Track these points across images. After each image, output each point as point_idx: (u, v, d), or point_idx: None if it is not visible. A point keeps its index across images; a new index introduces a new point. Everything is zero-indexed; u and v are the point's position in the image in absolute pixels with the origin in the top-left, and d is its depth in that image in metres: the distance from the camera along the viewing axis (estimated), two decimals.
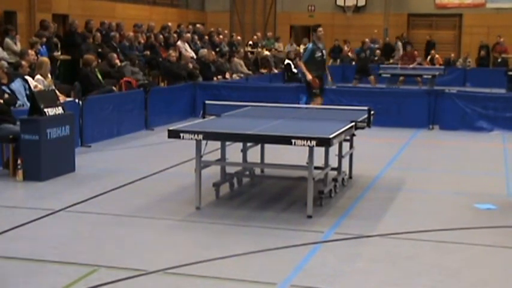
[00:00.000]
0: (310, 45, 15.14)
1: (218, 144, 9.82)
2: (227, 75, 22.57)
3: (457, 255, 7.37)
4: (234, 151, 10.59)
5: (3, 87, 11.68)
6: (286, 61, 27.77)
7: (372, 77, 25.41)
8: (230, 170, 10.08)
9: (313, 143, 8.14)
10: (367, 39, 28.04)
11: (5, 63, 12.73)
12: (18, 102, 11.99)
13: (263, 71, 26.38)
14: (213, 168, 9.92)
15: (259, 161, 10.81)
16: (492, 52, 32.67)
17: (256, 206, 9.28)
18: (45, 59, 14.65)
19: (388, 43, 34.47)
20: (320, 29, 14.76)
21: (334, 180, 9.85)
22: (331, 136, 8.27)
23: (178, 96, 17.94)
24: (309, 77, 14.52)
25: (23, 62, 13.68)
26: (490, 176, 11.57)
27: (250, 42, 30.17)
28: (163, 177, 10.91)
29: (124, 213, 8.58)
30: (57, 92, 12.33)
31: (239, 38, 29.70)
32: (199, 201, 8.92)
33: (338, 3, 36.26)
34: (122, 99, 15.34)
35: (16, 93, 12.10)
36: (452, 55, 33.62)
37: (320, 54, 14.64)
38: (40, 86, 13.00)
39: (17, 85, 12.34)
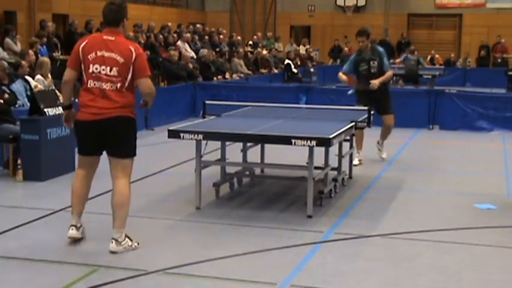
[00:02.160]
0: (353, 56, 12.39)
1: (218, 144, 9.82)
2: (227, 75, 22.58)
3: (457, 255, 7.37)
4: (234, 151, 10.59)
5: (4, 88, 11.69)
6: (286, 61, 27.78)
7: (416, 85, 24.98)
8: (230, 170, 10.09)
9: (313, 143, 8.14)
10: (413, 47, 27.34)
11: (5, 64, 12.72)
12: (19, 103, 11.99)
13: (263, 71, 26.38)
14: (213, 168, 9.92)
15: (259, 161, 10.81)
16: (492, 52, 32.68)
17: (256, 206, 9.28)
18: (46, 59, 14.66)
19: (388, 43, 34.46)
20: (360, 38, 11.89)
21: (334, 180, 9.85)
22: (331, 136, 8.27)
23: (179, 96, 17.95)
24: (343, 77, 12.09)
25: (23, 62, 13.68)
26: (490, 176, 11.57)
27: (250, 42, 30.19)
28: (164, 177, 10.91)
29: None
30: (57, 92, 12.32)
31: (239, 38, 29.71)
32: (199, 201, 8.93)
33: (338, 3, 36.31)
34: None
35: (16, 94, 12.10)
36: (453, 55, 33.62)
37: (366, 67, 11.92)
38: (40, 86, 13.01)
39: (17, 86, 12.34)
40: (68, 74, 7.16)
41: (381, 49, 12.34)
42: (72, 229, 7.32)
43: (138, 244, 7.25)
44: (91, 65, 6.94)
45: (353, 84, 12.18)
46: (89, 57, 6.95)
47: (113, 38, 6.98)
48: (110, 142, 7.10)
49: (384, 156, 12.61)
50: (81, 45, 7.05)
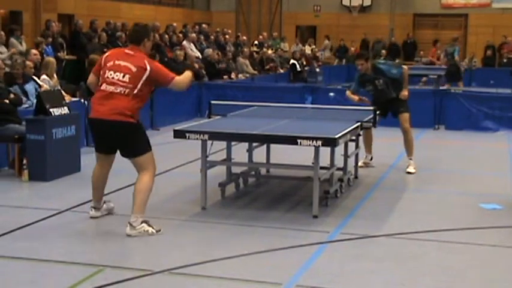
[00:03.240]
0: (357, 75, 11.90)
1: (224, 144, 9.81)
2: (233, 75, 22.58)
3: (462, 255, 7.36)
4: (239, 151, 10.59)
5: (15, 87, 11.76)
6: (292, 61, 27.75)
7: (461, 83, 24.22)
8: (236, 170, 10.09)
9: (319, 143, 8.13)
10: (456, 35, 26.90)
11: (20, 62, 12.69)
12: (28, 102, 12.00)
13: (270, 65, 26.31)
14: (218, 168, 9.92)
15: (264, 161, 10.80)
16: (498, 52, 32.57)
17: (261, 206, 9.28)
18: (52, 59, 14.67)
19: (394, 43, 34.45)
20: (358, 61, 11.68)
21: (340, 180, 9.84)
22: (336, 136, 8.26)
23: (184, 96, 17.91)
24: (353, 98, 11.75)
25: (28, 62, 13.68)
26: (496, 176, 11.55)
27: (256, 42, 30.18)
28: (169, 177, 10.91)
29: (129, 213, 8.56)
30: (62, 92, 12.34)
31: (245, 38, 29.70)
32: (205, 201, 8.93)
33: (344, 3, 36.29)
34: None
35: (29, 95, 12.13)
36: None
37: (371, 87, 11.65)
38: (46, 86, 13.01)
39: (30, 87, 12.35)
40: (90, 78, 8.23)
41: (382, 66, 11.70)
42: (92, 210, 8.35)
43: (158, 231, 7.79)
44: (107, 71, 7.78)
45: (366, 102, 11.68)
46: (108, 64, 7.82)
47: (133, 53, 7.86)
48: (116, 144, 7.92)
49: (408, 170, 11.63)
50: (105, 56, 8.06)
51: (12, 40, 17.69)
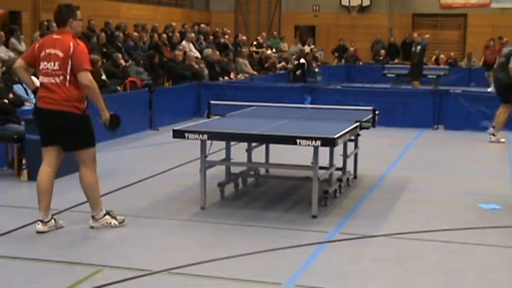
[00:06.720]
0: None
1: (223, 144, 9.81)
2: (232, 75, 22.56)
3: (461, 255, 7.37)
4: (238, 151, 10.59)
5: (16, 87, 11.81)
6: (302, 60, 27.28)
7: None
8: (235, 170, 10.09)
9: (318, 143, 8.13)
10: None
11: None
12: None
13: (269, 62, 26.22)
14: (217, 168, 9.92)
15: (264, 161, 10.80)
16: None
17: (261, 206, 9.28)
18: None
19: (392, 43, 34.48)
20: None
21: (339, 180, 9.84)
22: (335, 136, 8.26)
23: (183, 96, 17.93)
24: None
25: None
26: (495, 176, 11.55)
27: (255, 42, 30.17)
28: (168, 177, 10.91)
29: (128, 213, 8.58)
30: None
31: (244, 38, 29.69)
32: (204, 201, 8.93)
33: (343, 3, 36.29)
34: (127, 99, 15.31)
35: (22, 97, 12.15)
36: (452, 53, 33.41)
37: None
38: None
39: (19, 90, 12.33)
40: (17, 61, 8.14)
41: None
42: (38, 224, 7.83)
43: (122, 222, 8.06)
44: (41, 62, 7.67)
45: None
46: (40, 55, 7.70)
47: (60, 37, 7.71)
48: (60, 136, 7.77)
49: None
50: (37, 45, 7.88)
51: (13, 40, 17.70)
